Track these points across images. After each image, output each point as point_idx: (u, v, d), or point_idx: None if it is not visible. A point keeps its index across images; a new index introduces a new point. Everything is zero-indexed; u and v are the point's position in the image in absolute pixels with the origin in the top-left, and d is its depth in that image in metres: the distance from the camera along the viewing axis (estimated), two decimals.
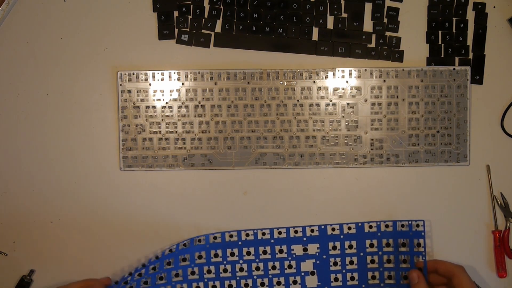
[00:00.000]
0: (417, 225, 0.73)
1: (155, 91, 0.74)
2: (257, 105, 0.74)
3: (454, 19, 0.75)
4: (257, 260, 0.74)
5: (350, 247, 0.74)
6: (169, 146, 0.74)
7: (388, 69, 0.74)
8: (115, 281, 0.71)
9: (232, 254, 0.74)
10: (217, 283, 0.73)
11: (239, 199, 0.75)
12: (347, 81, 0.74)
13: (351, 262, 0.74)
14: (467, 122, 0.74)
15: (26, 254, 0.75)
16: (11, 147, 0.75)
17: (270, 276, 0.74)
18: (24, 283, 0.74)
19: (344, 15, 0.75)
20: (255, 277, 0.74)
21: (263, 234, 0.74)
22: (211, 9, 0.75)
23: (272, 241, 0.74)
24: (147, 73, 0.74)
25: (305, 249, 0.74)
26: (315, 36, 0.75)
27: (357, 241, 0.74)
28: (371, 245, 0.74)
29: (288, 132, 0.74)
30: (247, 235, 0.74)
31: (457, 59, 0.75)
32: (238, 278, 0.73)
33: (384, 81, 0.74)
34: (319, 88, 0.74)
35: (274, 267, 0.74)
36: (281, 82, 0.74)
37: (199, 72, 0.74)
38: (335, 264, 0.74)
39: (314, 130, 0.74)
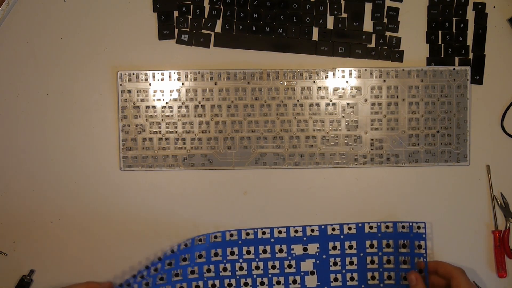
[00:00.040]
0: (418, 227, 0.73)
1: (155, 91, 0.74)
2: (257, 105, 0.74)
3: (454, 19, 0.75)
4: (257, 260, 0.74)
5: (350, 247, 0.74)
6: (169, 146, 0.74)
7: (388, 69, 0.74)
8: (119, 283, 0.71)
9: (232, 253, 0.74)
10: (217, 282, 0.73)
11: (239, 199, 0.75)
12: (347, 81, 0.74)
13: (351, 262, 0.74)
14: (467, 122, 0.74)
15: (26, 254, 0.75)
16: (11, 147, 0.75)
17: (270, 275, 0.74)
18: (24, 283, 0.74)
19: (344, 15, 0.75)
20: (255, 276, 0.74)
21: (263, 233, 0.74)
22: (211, 9, 0.75)
23: (272, 240, 0.74)
24: (147, 73, 0.74)
25: (305, 249, 0.74)
26: (315, 36, 0.75)
27: (357, 242, 0.74)
28: (371, 246, 0.74)
29: (288, 132, 0.74)
30: (247, 234, 0.74)
31: (457, 59, 0.75)
32: (238, 277, 0.74)
33: (384, 81, 0.74)
34: (319, 88, 0.74)
35: (274, 267, 0.74)
36: (281, 82, 0.74)
37: (199, 72, 0.74)
38: (335, 264, 0.74)
39: (314, 130, 0.74)
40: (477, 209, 0.75)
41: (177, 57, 0.75)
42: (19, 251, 0.75)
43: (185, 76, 0.74)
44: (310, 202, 0.75)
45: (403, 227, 0.74)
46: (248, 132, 0.74)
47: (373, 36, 0.75)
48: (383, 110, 0.74)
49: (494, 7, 0.75)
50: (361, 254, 0.74)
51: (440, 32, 0.75)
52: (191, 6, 0.75)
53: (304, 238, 0.74)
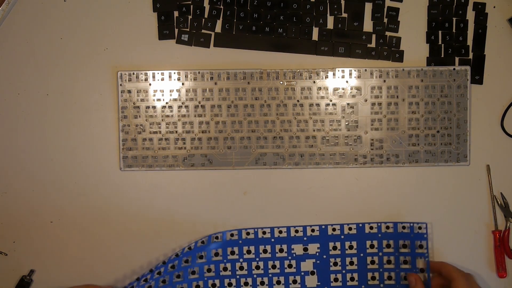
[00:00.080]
0: (419, 227, 0.73)
1: (155, 91, 0.74)
2: (257, 105, 0.74)
3: (454, 19, 0.75)
4: (257, 259, 0.74)
5: (351, 247, 0.74)
6: (169, 146, 0.74)
7: (388, 69, 0.74)
8: (122, 287, 0.71)
9: (233, 253, 0.74)
10: (217, 282, 0.73)
11: (239, 199, 0.75)
12: (347, 81, 0.74)
13: (351, 263, 0.74)
14: (467, 122, 0.74)
15: (26, 254, 0.75)
16: (11, 147, 0.75)
17: (270, 275, 0.74)
18: (24, 283, 0.74)
19: (344, 15, 0.75)
20: (255, 276, 0.74)
21: (264, 233, 0.74)
22: (211, 9, 0.75)
23: (273, 240, 0.74)
24: (147, 73, 0.74)
25: (305, 249, 0.74)
26: (315, 36, 0.75)
27: (357, 242, 0.74)
28: (372, 246, 0.74)
29: (288, 132, 0.74)
30: (248, 234, 0.74)
31: (457, 59, 0.75)
32: (238, 276, 0.74)
33: (384, 81, 0.74)
34: (319, 88, 0.74)
35: (274, 266, 0.74)
36: (281, 82, 0.74)
37: (199, 72, 0.74)
38: (335, 264, 0.74)
39: (314, 130, 0.74)
40: (477, 209, 0.75)
41: (177, 57, 0.75)
42: (19, 251, 0.75)
43: (185, 76, 0.74)
44: (310, 202, 0.75)
45: (403, 227, 0.74)
46: (248, 132, 0.74)
47: (373, 36, 0.75)
48: (383, 110, 0.74)
49: (494, 7, 0.75)
50: (361, 255, 0.74)
51: (440, 32, 0.75)
52: (191, 6, 0.75)
53: (305, 238, 0.74)
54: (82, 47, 0.75)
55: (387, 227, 0.74)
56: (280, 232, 0.74)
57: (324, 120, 0.74)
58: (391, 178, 0.75)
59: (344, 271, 0.74)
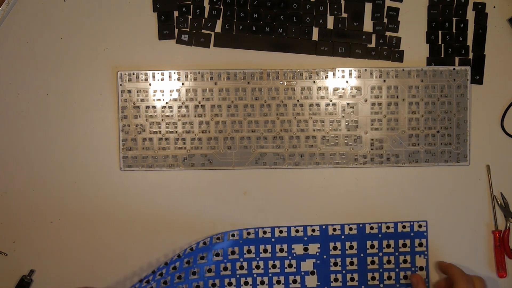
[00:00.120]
0: (419, 226, 0.73)
1: (155, 91, 0.74)
2: (257, 105, 0.74)
3: (454, 19, 0.75)
4: (257, 259, 0.74)
5: (351, 247, 0.74)
6: (169, 146, 0.74)
7: (388, 69, 0.74)
8: None
9: (233, 253, 0.74)
10: (217, 281, 0.73)
11: (239, 199, 0.75)
12: (347, 81, 0.74)
13: (352, 263, 0.74)
14: (467, 122, 0.74)
15: (26, 254, 0.75)
16: (11, 147, 0.75)
17: (270, 275, 0.74)
18: (24, 283, 0.74)
19: (344, 15, 0.75)
20: (255, 275, 0.74)
21: (264, 232, 0.74)
22: (211, 9, 0.75)
23: (273, 240, 0.74)
24: (147, 73, 0.74)
25: (305, 249, 0.74)
26: (315, 36, 0.75)
27: (357, 242, 0.74)
28: (372, 246, 0.74)
29: (288, 132, 0.74)
30: (248, 233, 0.74)
31: (457, 59, 0.75)
32: (238, 276, 0.74)
33: (384, 81, 0.74)
34: (319, 88, 0.74)
35: (274, 266, 0.74)
36: (281, 82, 0.74)
37: (199, 72, 0.74)
38: (335, 264, 0.74)
39: (314, 130, 0.74)
40: (477, 209, 0.75)
41: (177, 57, 0.75)
42: (19, 251, 0.75)
43: (185, 76, 0.74)
44: (310, 202, 0.75)
45: (403, 226, 0.74)
46: (248, 132, 0.74)
47: (373, 36, 0.75)
48: (383, 110, 0.74)
49: (494, 7, 0.75)
50: (362, 255, 0.74)
51: (440, 32, 0.75)
52: (191, 6, 0.75)
53: (305, 238, 0.74)
54: (82, 47, 0.75)
55: (388, 227, 0.74)
56: (281, 232, 0.74)
57: (324, 120, 0.74)
58: (391, 178, 0.75)
59: (344, 271, 0.74)
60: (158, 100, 0.74)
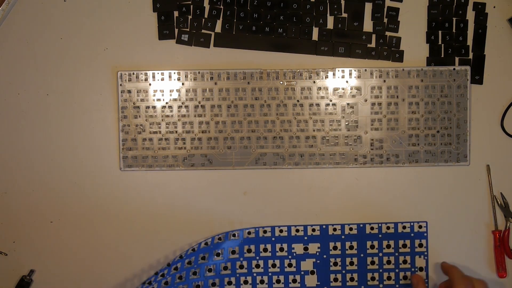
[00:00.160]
0: (420, 226, 0.73)
1: (155, 91, 0.74)
2: (257, 105, 0.74)
3: (454, 19, 0.75)
4: (257, 258, 0.74)
5: (351, 247, 0.74)
6: (169, 146, 0.74)
7: (388, 69, 0.74)
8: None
9: (233, 252, 0.74)
10: (217, 281, 0.73)
11: (239, 199, 0.75)
12: (347, 81, 0.74)
13: (351, 263, 0.74)
14: (467, 122, 0.74)
15: (26, 254, 0.75)
16: (11, 147, 0.75)
17: (270, 274, 0.74)
18: (24, 283, 0.74)
19: (344, 15, 0.75)
20: (255, 274, 0.74)
21: (264, 232, 0.74)
22: (211, 9, 0.75)
23: (273, 239, 0.74)
24: (147, 73, 0.74)
25: (305, 248, 0.74)
26: (315, 36, 0.75)
27: (358, 242, 0.74)
28: (372, 247, 0.74)
29: (288, 132, 0.74)
30: (249, 233, 0.74)
31: (457, 59, 0.75)
32: (238, 275, 0.74)
33: (384, 81, 0.74)
34: (319, 88, 0.74)
35: (274, 265, 0.74)
36: (281, 82, 0.74)
37: (199, 72, 0.74)
38: (335, 264, 0.74)
39: (314, 130, 0.74)
40: (477, 209, 0.75)
41: (177, 57, 0.75)
42: (19, 251, 0.75)
43: (185, 76, 0.74)
44: (310, 202, 0.75)
45: (404, 227, 0.74)
46: (248, 132, 0.74)
47: (373, 36, 0.75)
48: (383, 110, 0.74)
49: (494, 7, 0.75)
50: (362, 255, 0.74)
51: (440, 32, 0.75)
52: (191, 6, 0.75)
53: (305, 238, 0.74)
54: (82, 47, 0.75)
55: (388, 228, 0.74)
56: (281, 231, 0.74)
57: (324, 120, 0.74)
58: (391, 178, 0.75)
59: (344, 271, 0.74)
60: (158, 100, 0.74)
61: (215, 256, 0.73)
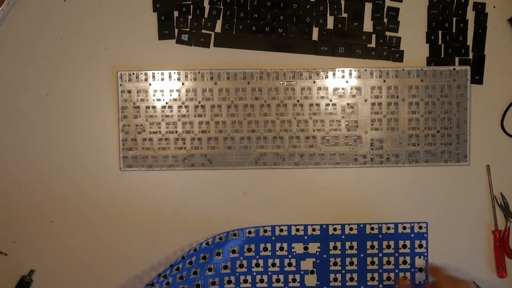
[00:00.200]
0: (420, 227, 0.73)
1: (155, 91, 0.74)
2: (257, 105, 0.74)
3: (454, 19, 0.75)
4: (257, 257, 0.74)
5: (351, 247, 0.74)
6: (169, 146, 0.74)
7: (388, 69, 0.74)
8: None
9: (234, 252, 0.74)
10: (217, 280, 0.73)
11: (239, 199, 0.75)
12: (347, 81, 0.74)
13: (351, 263, 0.74)
14: (467, 122, 0.74)
15: (26, 254, 0.75)
16: (11, 147, 0.75)
17: (270, 273, 0.74)
18: (24, 283, 0.74)
19: (344, 15, 0.75)
20: (254, 273, 0.74)
21: (265, 231, 0.74)
22: (211, 9, 0.75)
23: (273, 238, 0.74)
24: (147, 73, 0.74)
25: (305, 248, 0.74)
26: (315, 36, 0.75)
27: (358, 242, 0.74)
28: (372, 247, 0.74)
29: (288, 132, 0.74)
30: (249, 232, 0.74)
31: (457, 59, 0.75)
32: (237, 274, 0.74)
33: (384, 81, 0.74)
34: (319, 88, 0.74)
35: (274, 265, 0.74)
36: (281, 82, 0.74)
37: (199, 72, 0.74)
38: (335, 264, 0.74)
39: (314, 130, 0.74)
40: (477, 209, 0.75)
41: (177, 57, 0.75)
42: (19, 251, 0.75)
43: (185, 76, 0.74)
44: (310, 202, 0.75)
45: (404, 227, 0.74)
46: (248, 132, 0.74)
47: (373, 36, 0.75)
48: (383, 110, 0.74)
49: (494, 7, 0.75)
50: (362, 255, 0.74)
51: (440, 32, 0.75)
52: (191, 6, 0.75)
53: (305, 237, 0.74)
54: (82, 47, 0.75)
55: (388, 228, 0.74)
56: (281, 230, 0.74)
57: (324, 120, 0.74)
58: (391, 178, 0.75)
59: (343, 271, 0.74)
60: (158, 100, 0.74)
61: (216, 256, 0.73)
